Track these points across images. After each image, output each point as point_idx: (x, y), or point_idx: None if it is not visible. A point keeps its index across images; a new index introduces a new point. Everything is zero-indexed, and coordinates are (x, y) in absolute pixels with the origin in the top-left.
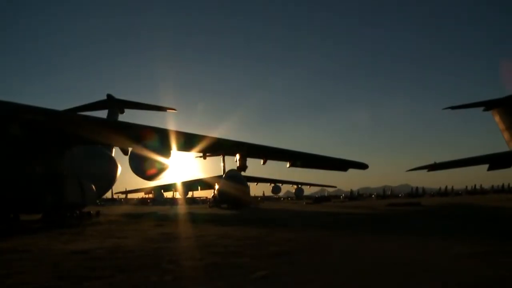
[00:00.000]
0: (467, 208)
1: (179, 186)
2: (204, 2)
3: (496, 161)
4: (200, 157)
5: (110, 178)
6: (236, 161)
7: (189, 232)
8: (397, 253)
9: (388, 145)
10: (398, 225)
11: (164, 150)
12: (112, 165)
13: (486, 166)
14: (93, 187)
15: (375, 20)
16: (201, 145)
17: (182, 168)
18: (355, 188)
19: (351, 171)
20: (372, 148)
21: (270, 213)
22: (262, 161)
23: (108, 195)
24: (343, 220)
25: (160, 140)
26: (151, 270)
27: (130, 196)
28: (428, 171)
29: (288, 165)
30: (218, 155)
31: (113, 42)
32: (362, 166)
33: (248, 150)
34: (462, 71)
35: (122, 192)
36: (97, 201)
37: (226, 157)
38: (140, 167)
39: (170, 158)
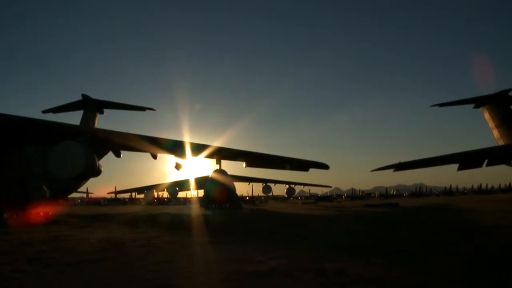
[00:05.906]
0: (438, 210)
1: (184, 185)
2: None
3: (466, 160)
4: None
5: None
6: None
7: (85, 235)
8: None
9: (401, 144)
10: (307, 229)
11: (100, 150)
12: None
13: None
14: (44, 187)
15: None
16: (143, 145)
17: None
18: (369, 187)
19: (364, 171)
20: (382, 148)
21: (239, 214)
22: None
23: (110, 194)
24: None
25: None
26: None
27: (137, 195)
28: (394, 171)
29: (244, 165)
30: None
31: (112, 42)
32: (323, 166)
33: (193, 150)
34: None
35: (125, 191)
36: (102, 201)
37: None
38: (60, 166)
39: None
